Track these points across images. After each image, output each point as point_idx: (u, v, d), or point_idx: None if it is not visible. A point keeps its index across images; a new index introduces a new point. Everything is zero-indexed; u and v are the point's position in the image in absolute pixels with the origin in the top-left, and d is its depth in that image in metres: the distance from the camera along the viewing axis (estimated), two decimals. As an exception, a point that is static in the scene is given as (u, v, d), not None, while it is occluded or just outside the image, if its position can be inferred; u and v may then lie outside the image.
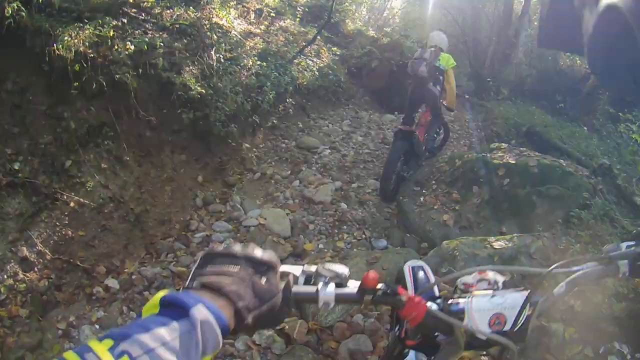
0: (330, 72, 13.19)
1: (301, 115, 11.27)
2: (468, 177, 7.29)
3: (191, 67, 7.89)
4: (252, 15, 12.51)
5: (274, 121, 9.86)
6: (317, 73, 12.47)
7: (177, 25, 8.17)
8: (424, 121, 8.20)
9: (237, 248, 1.07)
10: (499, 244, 5.07)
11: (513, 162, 7.08)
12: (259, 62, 9.92)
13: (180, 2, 8.87)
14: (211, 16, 9.55)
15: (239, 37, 10.52)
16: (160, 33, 7.79)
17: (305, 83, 11.56)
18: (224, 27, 9.91)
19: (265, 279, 1.02)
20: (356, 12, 20.99)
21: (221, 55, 8.73)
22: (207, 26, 8.92)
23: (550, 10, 1.77)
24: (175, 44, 7.89)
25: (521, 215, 6.39)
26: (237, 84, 8.68)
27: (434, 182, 7.71)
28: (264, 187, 8.01)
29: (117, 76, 6.49)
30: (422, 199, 7.40)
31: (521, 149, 7.93)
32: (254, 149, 8.91)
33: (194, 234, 6.53)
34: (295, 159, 8.91)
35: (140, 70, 6.92)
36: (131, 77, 6.64)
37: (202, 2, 9.52)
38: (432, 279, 1.56)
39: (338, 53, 15.13)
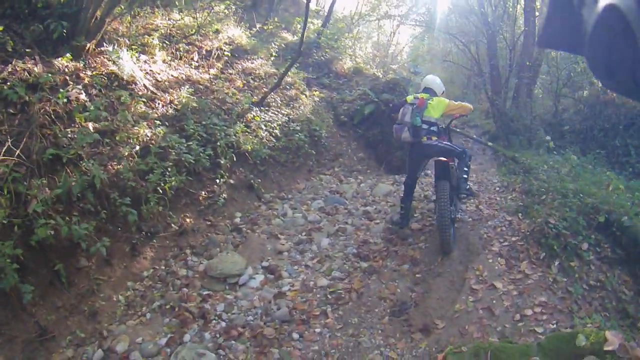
0: (298, 127, 9.76)
1: (244, 199, 7.69)
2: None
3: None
4: (196, 58, 9.18)
5: (175, 226, 6.27)
6: (277, 131, 8.99)
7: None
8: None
9: None
10: None
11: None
12: (162, 130, 6.52)
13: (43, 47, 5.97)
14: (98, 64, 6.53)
15: (150, 89, 7.16)
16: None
17: (252, 149, 8.06)
18: (121, 78, 6.70)
19: None
20: (358, 49, 18.34)
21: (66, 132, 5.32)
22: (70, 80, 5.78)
23: (550, 10, 1.41)
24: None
25: None
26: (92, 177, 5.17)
27: None
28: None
29: None
30: None
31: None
32: (125, 287, 5.33)
33: None
34: (182, 313, 5.12)
35: None
36: None
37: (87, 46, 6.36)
38: None
39: (322, 97, 11.85)
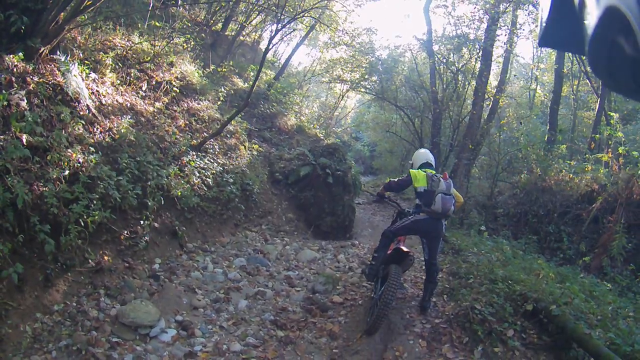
0: (232, 179, 9.55)
1: (165, 246, 7.34)
2: None
3: None
4: (144, 87, 8.90)
5: (92, 262, 5.79)
6: (210, 180, 8.77)
7: None
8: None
9: None
10: None
11: None
12: (94, 158, 6.20)
13: None
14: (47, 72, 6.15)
15: (92, 112, 6.85)
16: None
17: (182, 195, 7.80)
18: (66, 93, 6.35)
19: None
20: (305, 107, 18.52)
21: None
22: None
23: (551, 10, 1.44)
24: None
25: None
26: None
27: None
28: None
29: None
30: None
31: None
32: (34, 319, 4.83)
33: None
34: (88, 358, 4.66)
35: None
36: None
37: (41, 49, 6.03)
38: None
39: (260, 151, 11.73)
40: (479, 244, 9.70)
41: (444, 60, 18.07)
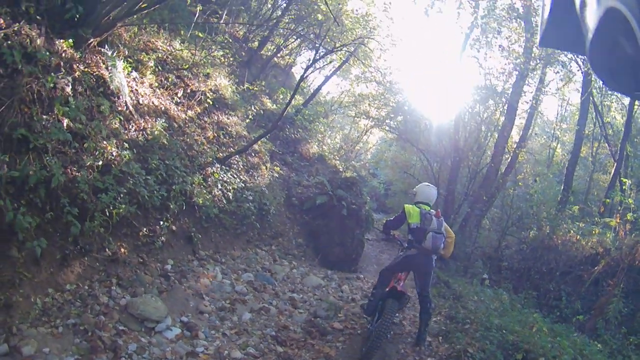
0: (253, 197, 9.63)
1: (180, 249, 7.46)
2: None
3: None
4: (179, 94, 9.13)
5: (109, 252, 5.92)
6: (231, 195, 8.91)
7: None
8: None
9: None
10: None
11: None
12: (128, 154, 6.40)
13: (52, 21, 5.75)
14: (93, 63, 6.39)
15: (130, 109, 7.08)
16: None
17: (203, 204, 7.96)
18: (107, 87, 6.60)
19: None
20: (328, 137, 18.70)
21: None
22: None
23: (552, 11, 1.53)
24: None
25: None
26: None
27: None
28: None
29: None
30: None
31: None
32: (45, 293, 4.95)
33: None
34: (94, 339, 4.78)
35: None
36: None
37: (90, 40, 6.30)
38: None
39: (280, 174, 11.87)
40: (480, 293, 9.86)
41: (470, 110, 18.26)
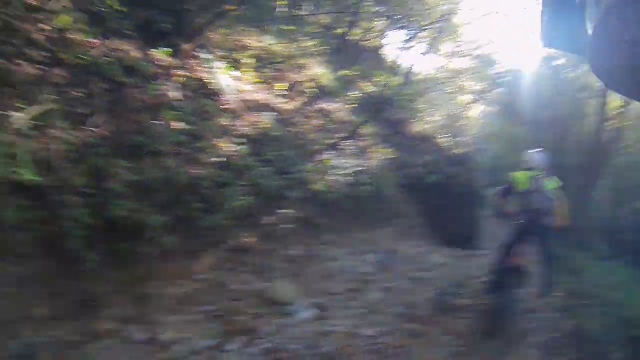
0: (369, 180, 9.59)
1: (303, 235, 7.58)
2: None
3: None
4: (279, 86, 9.28)
5: (233, 242, 6.19)
6: (344, 179, 8.93)
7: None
8: None
9: None
10: None
11: None
12: (243, 149, 6.61)
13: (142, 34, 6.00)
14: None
15: (234, 106, 7.27)
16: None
17: (320, 189, 8.03)
18: (209, 88, 6.88)
19: None
20: (429, 115, 18.31)
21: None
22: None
23: (552, 11, 1.52)
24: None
25: None
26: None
27: None
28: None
29: None
30: None
31: None
32: (177, 284, 5.26)
33: None
34: (230, 323, 5.10)
35: None
36: None
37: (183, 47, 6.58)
38: None
39: (389, 155, 11.69)
40: (597, 267, 9.63)
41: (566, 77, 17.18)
